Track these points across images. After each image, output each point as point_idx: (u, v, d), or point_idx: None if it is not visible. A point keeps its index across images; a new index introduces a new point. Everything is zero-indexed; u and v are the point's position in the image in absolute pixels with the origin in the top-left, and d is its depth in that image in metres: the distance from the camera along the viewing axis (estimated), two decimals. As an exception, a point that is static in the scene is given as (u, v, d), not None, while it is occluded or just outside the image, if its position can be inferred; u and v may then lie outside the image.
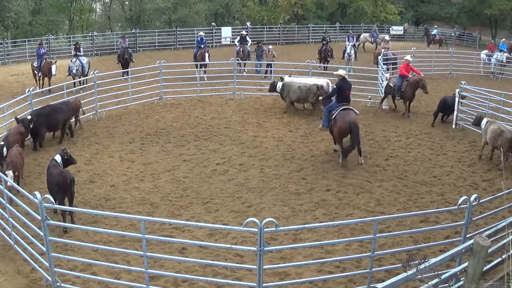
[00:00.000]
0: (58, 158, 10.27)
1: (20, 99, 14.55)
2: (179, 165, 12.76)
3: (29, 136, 13.64)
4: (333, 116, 12.65)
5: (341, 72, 13.14)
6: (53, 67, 20.14)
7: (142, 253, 7.13)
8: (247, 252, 8.36)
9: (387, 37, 27.92)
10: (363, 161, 12.71)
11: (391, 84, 17.43)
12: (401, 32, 39.08)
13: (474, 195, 7.39)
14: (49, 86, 19.32)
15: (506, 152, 12.31)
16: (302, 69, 21.14)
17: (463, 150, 13.63)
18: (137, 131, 15.41)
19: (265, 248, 6.62)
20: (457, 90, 16.02)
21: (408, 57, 17.73)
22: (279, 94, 17.66)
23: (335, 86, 13.25)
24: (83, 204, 10.50)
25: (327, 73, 23.16)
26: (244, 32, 25.20)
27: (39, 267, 7.77)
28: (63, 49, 29.82)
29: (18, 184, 9.74)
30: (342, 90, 12.69)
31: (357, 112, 13.15)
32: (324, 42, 24.96)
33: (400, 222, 9.67)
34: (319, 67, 24.37)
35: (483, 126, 13.11)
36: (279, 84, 17.37)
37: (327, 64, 24.82)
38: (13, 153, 11.26)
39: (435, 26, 37.02)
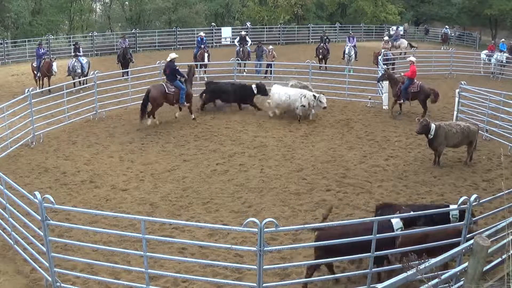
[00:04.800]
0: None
1: (20, 99, 14.54)
2: (179, 165, 12.76)
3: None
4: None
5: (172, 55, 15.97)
6: (54, 64, 20.14)
7: (142, 253, 7.13)
8: (247, 252, 8.36)
9: (386, 37, 27.96)
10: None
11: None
12: (401, 32, 39.11)
13: (474, 195, 7.39)
14: (49, 86, 19.33)
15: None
16: (302, 69, 21.13)
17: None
18: (137, 131, 15.41)
19: (265, 248, 6.62)
20: (457, 90, 16.03)
21: (412, 58, 17.72)
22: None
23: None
24: (83, 204, 10.50)
25: (326, 72, 23.22)
26: (243, 32, 25.19)
27: (39, 267, 7.77)
28: (63, 49, 29.82)
29: None
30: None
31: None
32: (322, 42, 25.10)
33: (400, 222, 9.65)
34: (320, 67, 24.43)
35: (432, 133, 12.54)
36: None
37: (325, 63, 24.92)
38: None
39: (446, 26, 37.17)
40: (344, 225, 7.61)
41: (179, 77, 15.85)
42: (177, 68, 15.92)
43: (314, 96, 16.11)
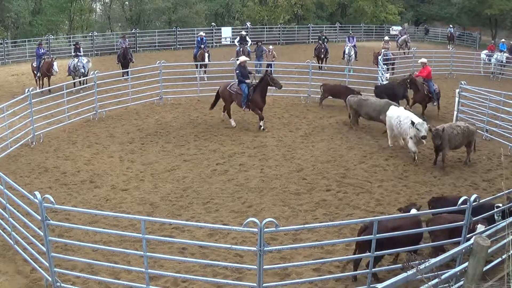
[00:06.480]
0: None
1: (20, 99, 14.55)
2: (179, 165, 12.76)
3: None
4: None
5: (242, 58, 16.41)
6: (55, 64, 20.13)
7: (142, 253, 7.13)
8: (247, 252, 8.36)
9: (386, 38, 27.97)
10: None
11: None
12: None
13: (474, 195, 7.39)
14: (49, 86, 19.33)
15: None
16: (302, 69, 21.13)
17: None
18: (137, 131, 15.42)
19: (265, 248, 6.62)
20: (457, 90, 16.03)
21: (424, 59, 17.89)
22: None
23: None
24: (83, 204, 10.50)
25: (324, 72, 23.21)
26: (243, 32, 25.20)
27: (39, 267, 7.77)
28: (63, 49, 29.83)
29: None
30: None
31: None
32: (320, 42, 25.13)
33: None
34: (319, 67, 24.44)
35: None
36: None
37: (324, 63, 24.92)
38: None
39: (451, 26, 37.34)
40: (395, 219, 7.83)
41: (244, 80, 15.50)
42: (236, 71, 15.88)
43: (412, 123, 12.74)
